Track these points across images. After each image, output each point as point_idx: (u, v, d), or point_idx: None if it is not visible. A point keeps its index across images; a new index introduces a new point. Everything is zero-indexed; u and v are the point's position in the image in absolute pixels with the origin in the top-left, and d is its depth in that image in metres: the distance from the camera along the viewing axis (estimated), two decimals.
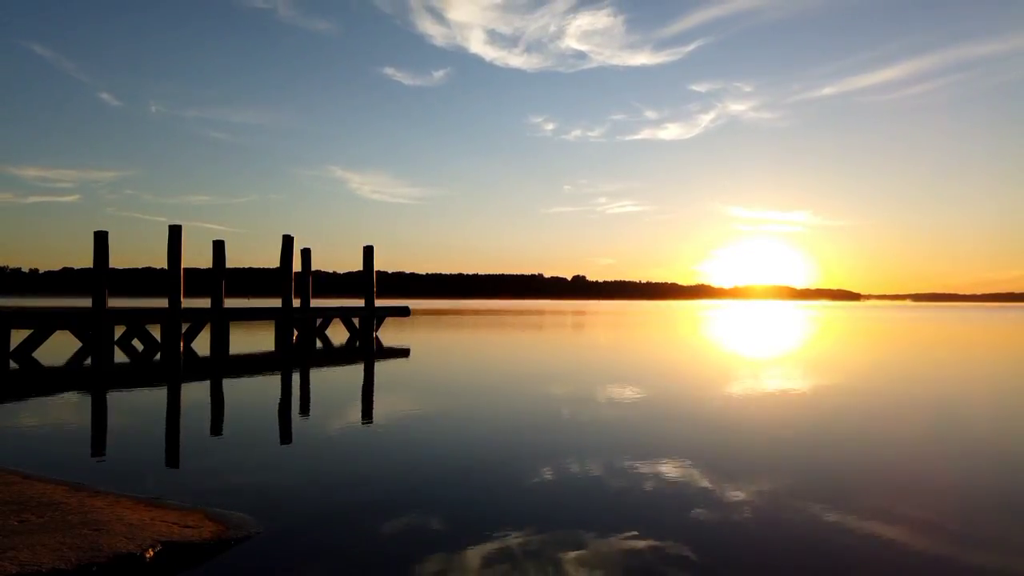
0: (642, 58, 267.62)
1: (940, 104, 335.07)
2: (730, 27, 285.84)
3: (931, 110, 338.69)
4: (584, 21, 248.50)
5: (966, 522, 4.45)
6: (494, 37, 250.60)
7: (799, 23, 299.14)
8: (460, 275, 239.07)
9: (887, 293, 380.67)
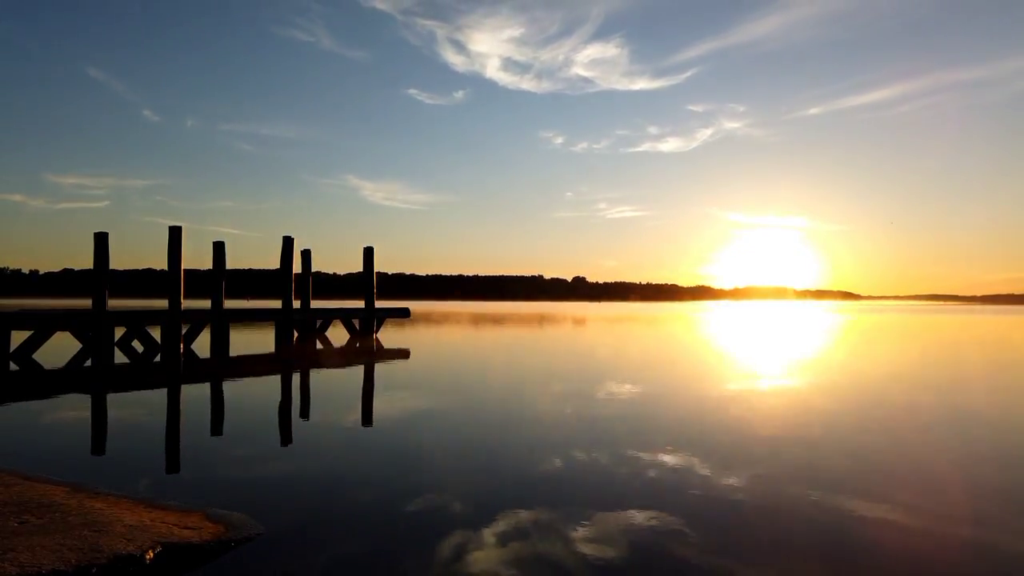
0: (642, 83, 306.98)
1: (929, 120, 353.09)
2: (723, 58, 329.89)
3: (920, 124, 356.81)
4: (593, 51, 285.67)
5: (962, 514, 4.46)
6: (508, 64, 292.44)
7: (787, 55, 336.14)
8: (460, 276, 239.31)
9: (887, 294, 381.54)
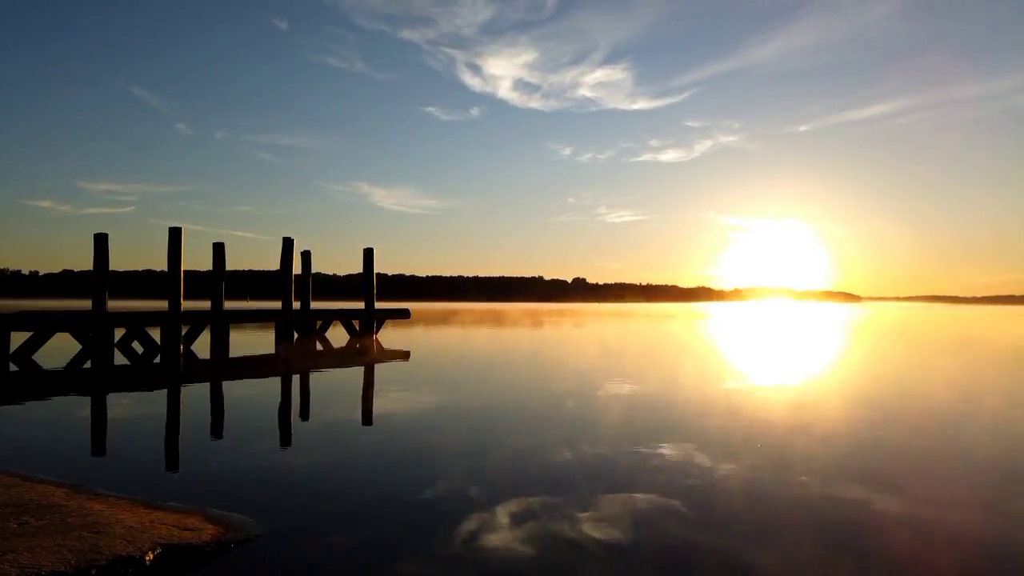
0: (641, 103, 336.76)
1: (925, 131, 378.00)
2: (719, 81, 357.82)
3: (916, 135, 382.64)
4: (600, 74, 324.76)
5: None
6: (519, 85, 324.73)
7: (780, 79, 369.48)
8: (460, 277, 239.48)
9: (887, 295, 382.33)
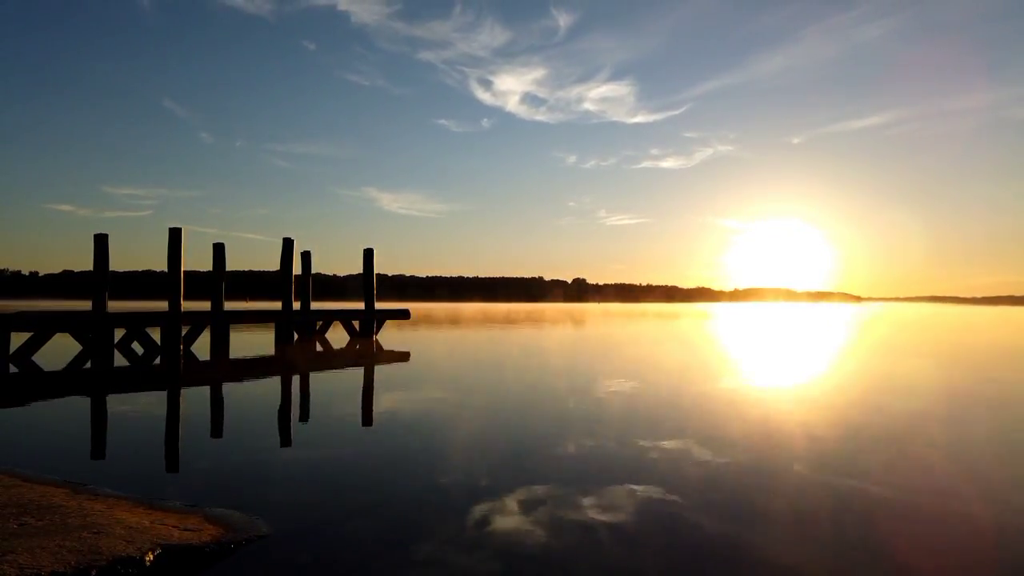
0: (640, 117, 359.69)
1: (915, 140, 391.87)
2: (715, 96, 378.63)
3: (907, 144, 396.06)
4: (604, 89, 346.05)
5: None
6: (526, 99, 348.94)
7: (773, 95, 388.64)
8: (460, 277, 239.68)
9: (887, 296, 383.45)
